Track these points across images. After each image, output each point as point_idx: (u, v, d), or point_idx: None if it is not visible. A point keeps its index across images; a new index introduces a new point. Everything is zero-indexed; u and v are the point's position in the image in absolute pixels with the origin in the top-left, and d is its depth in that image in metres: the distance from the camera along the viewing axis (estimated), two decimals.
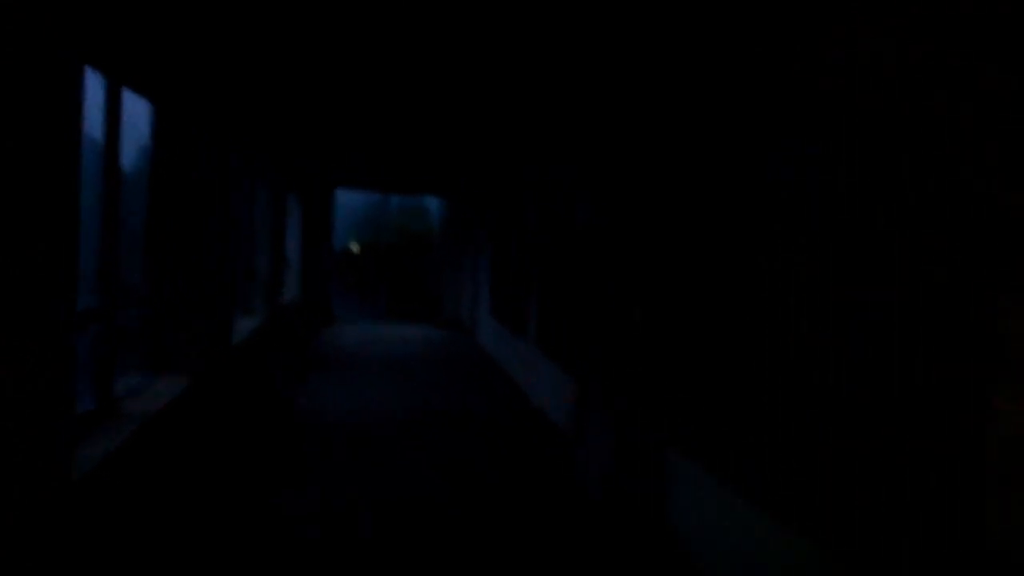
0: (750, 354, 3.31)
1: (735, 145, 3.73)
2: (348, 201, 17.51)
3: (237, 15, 4.73)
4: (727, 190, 3.73)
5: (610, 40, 5.05)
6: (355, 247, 19.31)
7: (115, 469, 3.48)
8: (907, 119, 2.45)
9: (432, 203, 18.52)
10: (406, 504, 4.39)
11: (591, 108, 6.13)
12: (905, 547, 2.28)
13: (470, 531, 4.04)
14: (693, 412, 3.87)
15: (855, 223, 2.67)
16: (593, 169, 6.00)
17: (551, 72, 5.86)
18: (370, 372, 8.79)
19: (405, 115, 8.12)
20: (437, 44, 5.34)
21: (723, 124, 3.96)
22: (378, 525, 4.07)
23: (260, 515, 4.11)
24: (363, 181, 14.42)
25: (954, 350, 2.16)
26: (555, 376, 7.03)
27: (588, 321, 5.82)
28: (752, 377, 3.27)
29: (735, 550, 3.32)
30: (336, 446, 5.55)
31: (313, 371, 8.62)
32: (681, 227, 4.26)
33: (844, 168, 2.82)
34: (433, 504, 4.41)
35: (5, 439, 2.32)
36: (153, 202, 5.02)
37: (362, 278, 18.68)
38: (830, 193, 2.90)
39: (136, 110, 5.11)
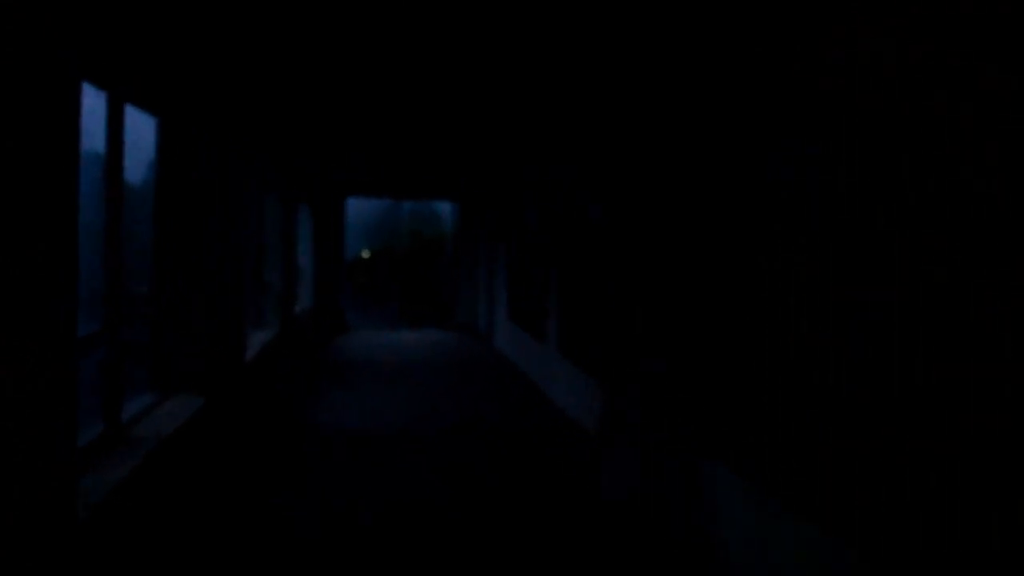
0: (794, 356, 3.10)
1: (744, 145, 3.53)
2: (359, 208, 17.39)
3: (240, 26, 4.58)
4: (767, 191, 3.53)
5: (615, 42, 4.94)
6: (367, 254, 19.20)
7: (124, 502, 3.31)
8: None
9: (443, 208, 18.37)
10: (429, 516, 4.21)
11: (605, 104, 5.95)
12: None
13: (496, 541, 3.85)
14: (732, 417, 3.66)
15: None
16: (608, 169, 5.80)
17: (563, 73, 5.68)
18: (388, 381, 8.62)
19: (416, 121, 7.97)
20: (447, 46, 5.18)
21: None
22: (389, 534, 3.89)
23: (272, 537, 3.94)
24: (374, 189, 14.32)
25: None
26: (577, 379, 6.83)
27: (615, 324, 5.62)
28: (800, 380, 3.06)
29: (778, 565, 3.11)
30: (354, 462, 5.38)
31: (329, 383, 8.47)
32: (712, 227, 4.05)
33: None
34: (461, 512, 4.22)
35: None
36: (159, 216, 4.88)
37: (375, 285, 18.58)
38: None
39: (146, 125, 4.96)
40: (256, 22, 4.62)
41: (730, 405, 3.66)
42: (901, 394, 2.40)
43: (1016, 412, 1.96)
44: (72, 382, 2.70)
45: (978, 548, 2.08)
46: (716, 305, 3.84)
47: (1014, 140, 2.00)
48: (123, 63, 3.72)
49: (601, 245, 6.17)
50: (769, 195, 3.37)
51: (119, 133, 3.89)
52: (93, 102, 3.91)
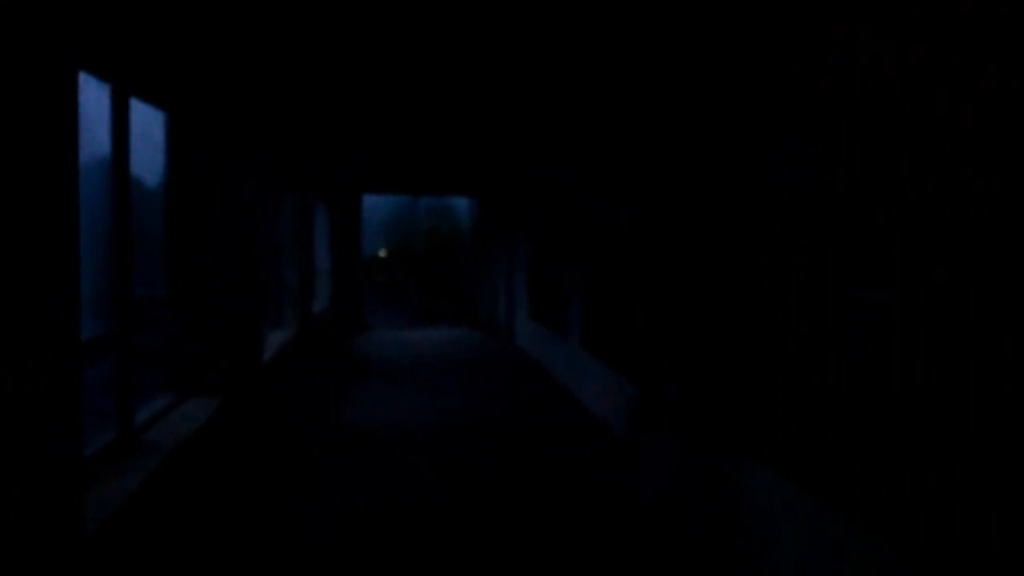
0: (854, 345, 2.87)
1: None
2: (376, 206, 17.25)
3: (253, 16, 4.41)
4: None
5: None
6: (384, 253, 19.09)
7: (136, 512, 3.15)
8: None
9: (460, 203, 18.17)
10: (455, 521, 4.03)
11: (622, 98, 5.74)
12: None
13: (525, 548, 3.66)
14: (778, 415, 3.44)
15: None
16: (633, 163, 5.57)
17: (586, 64, 5.48)
18: (408, 381, 8.45)
19: (433, 115, 7.79)
20: (464, 39, 4.98)
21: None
22: (410, 542, 3.71)
23: (286, 544, 3.77)
24: (391, 185, 14.17)
25: None
26: (604, 377, 6.62)
27: (645, 318, 5.40)
28: (857, 373, 2.83)
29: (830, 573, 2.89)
30: (375, 466, 5.21)
31: (348, 383, 8.31)
32: (748, 217, 3.83)
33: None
34: (487, 518, 4.04)
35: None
36: (170, 215, 4.72)
37: (393, 283, 18.45)
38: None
39: (161, 124, 4.81)
40: (270, 13, 4.45)
41: (775, 401, 3.43)
42: (983, 392, 2.17)
43: None
44: (75, 387, 2.53)
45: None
46: (761, 293, 3.62)
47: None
48: (125, 53, 3.55)
49: (628, 236, 5.95)
50: (801, 190, 3.16)
51: (124, 128, 3.73)
52: (101, 100, 3.77)
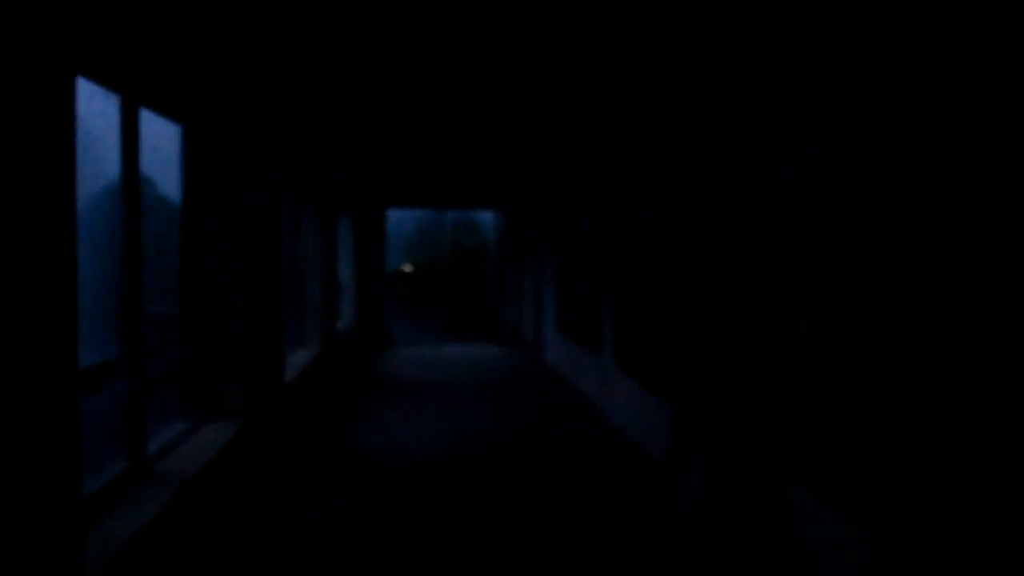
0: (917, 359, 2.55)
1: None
2: (400, 220, 17.09)
3: (269, 23, 4.22)
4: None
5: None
6: (408, 267, 18.92)
7: (144, 550, 2.91)
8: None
9: (485, 217, 17.97)
10: (488, 550, 3.74)
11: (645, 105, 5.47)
12: None
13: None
14: (830, 441, 3.11)
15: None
16: (668, 172, 5.28)
17: (613, 71, 5.23)
18: (435, 400, 8.19)
19: (457, 127, 7.58)
20: (491, 48, 4.76)
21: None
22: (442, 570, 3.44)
23: None
24: (415, 199, 14.01)
25: None
26: (639, 396, 6.31)
27: (683, 333, 5.08)
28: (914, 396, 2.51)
29: None
30: (402, 497, 4.94)
31: (374, 403, 8.08)
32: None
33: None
34: (521, 549, 3.75)
35: None
36: (187, 231, 4.53)
37: (418, 298, 18.26)
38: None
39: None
40: (292, 20, 4.26)
41: (826, 427, 3.11)
42: None
43: None
44: (73, 416, 2.31)
45: None
46: (818, 308, 3.30)
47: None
48: (131, 60, 3.35)
49: (659, 246, 5.65)
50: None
51: (134, 140, 3.53)
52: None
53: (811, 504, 3.23)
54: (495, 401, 8.14)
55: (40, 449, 2.09)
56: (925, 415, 2.54)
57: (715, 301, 4.47)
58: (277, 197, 5.74)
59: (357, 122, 7.38)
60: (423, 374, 10.17)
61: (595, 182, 8.06)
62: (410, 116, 7.14)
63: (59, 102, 2.26)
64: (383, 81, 5.81)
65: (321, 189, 8.77)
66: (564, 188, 9.95)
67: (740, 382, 4.06)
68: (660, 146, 5.65)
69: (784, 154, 3.47)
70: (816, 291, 3.31)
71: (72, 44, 2.38)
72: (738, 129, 4.07)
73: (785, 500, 3.46)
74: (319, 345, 8.37)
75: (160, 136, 4.57)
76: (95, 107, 3.42)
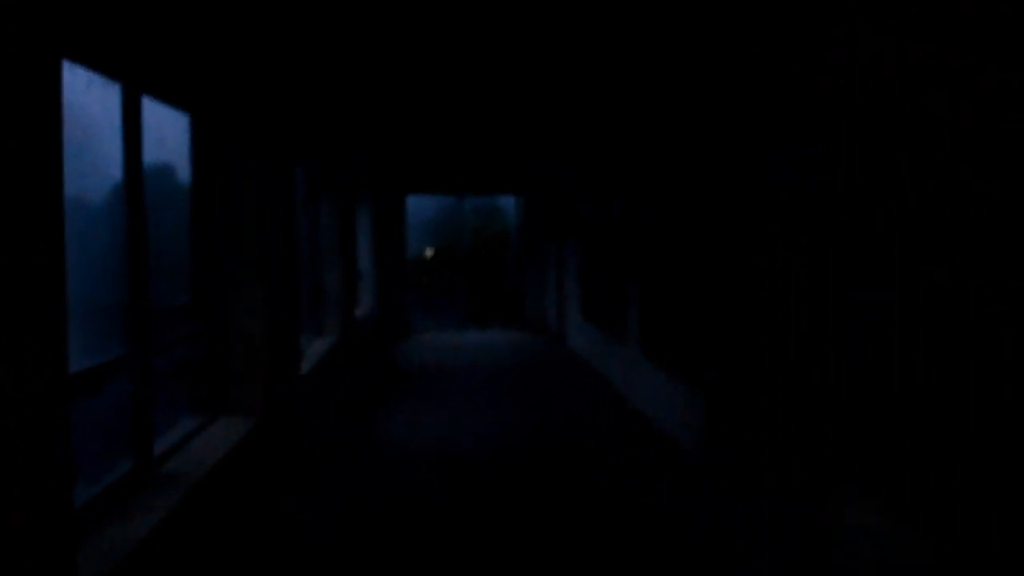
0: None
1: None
2: (420, 206, 16.93)
3: (277, 9, 4.05)
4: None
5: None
6: (429, 253, 18.78)
7: (148, 559, 2.78)
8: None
9: (507, 202, 17.74)
10: (514, 552, 3.59)
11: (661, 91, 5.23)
12: None
13: None
14: (884, 438, 2.90)
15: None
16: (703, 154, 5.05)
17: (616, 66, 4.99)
18: (457, 390, 8.04)
19: (478, 112, 7.37)
20: (515, 33, 4.54)
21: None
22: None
23: None
24: (435, 185, 13.82)
25: None
26: (667, 386, 6.11)
27: (716, 320, 4.86)
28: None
29: None
30: (426, 496, 4.80)
31: (394, 394, 7.95)
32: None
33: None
34: (559, 547, 3.59)
35: None
36: (197, 219, 4.39)
37: (439, 285, 18.12)
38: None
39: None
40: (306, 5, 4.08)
41: (881, 424, 2.89)
42: None
43: None
44: (61, 421, 2.16)
45: None
46: (857, 293, 3.07)
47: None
48: (129, 46, 3.19)
49: (686, 231, 5.42)
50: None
51: (136, 129, 3.38)
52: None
53: (863, 506, 3.02)
54: (517, 392, 7.97)
55: (25, 459, 1.96)
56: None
57: (748, 291, 4.25)
58: (291, 185, 5.58)
59: (374, 107, 7.20)
60: (445, 362, 10.02)
61: (619, 173, 7.81)
62: (430, 100, 6.94)
63: (43, 90, 2.10)
64: (404, 63, 5.62)
65: (339, 175, 8.62)
66: (587, 177, 9.70)
67: (773, 373, 3.84)
68: (685, 136, 5.41)
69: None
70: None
71: (57, 26, 2.22)
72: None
73: (830, 504, 3.25)
74: (337, 334, 8.26)
75: (175, 125, 4.45)
76: (112, 103, 3.30)
